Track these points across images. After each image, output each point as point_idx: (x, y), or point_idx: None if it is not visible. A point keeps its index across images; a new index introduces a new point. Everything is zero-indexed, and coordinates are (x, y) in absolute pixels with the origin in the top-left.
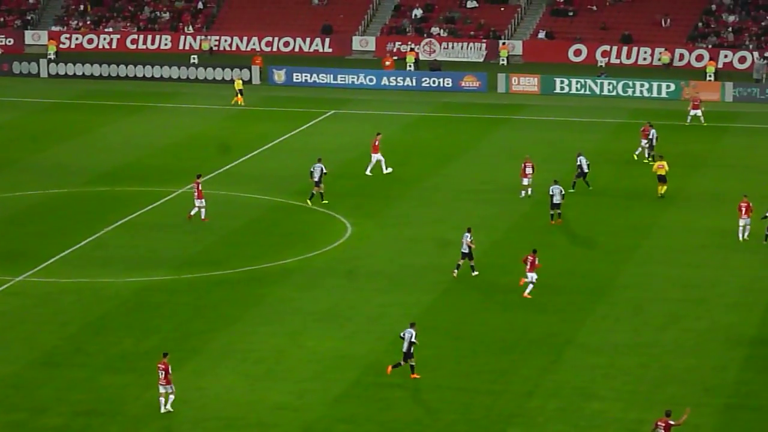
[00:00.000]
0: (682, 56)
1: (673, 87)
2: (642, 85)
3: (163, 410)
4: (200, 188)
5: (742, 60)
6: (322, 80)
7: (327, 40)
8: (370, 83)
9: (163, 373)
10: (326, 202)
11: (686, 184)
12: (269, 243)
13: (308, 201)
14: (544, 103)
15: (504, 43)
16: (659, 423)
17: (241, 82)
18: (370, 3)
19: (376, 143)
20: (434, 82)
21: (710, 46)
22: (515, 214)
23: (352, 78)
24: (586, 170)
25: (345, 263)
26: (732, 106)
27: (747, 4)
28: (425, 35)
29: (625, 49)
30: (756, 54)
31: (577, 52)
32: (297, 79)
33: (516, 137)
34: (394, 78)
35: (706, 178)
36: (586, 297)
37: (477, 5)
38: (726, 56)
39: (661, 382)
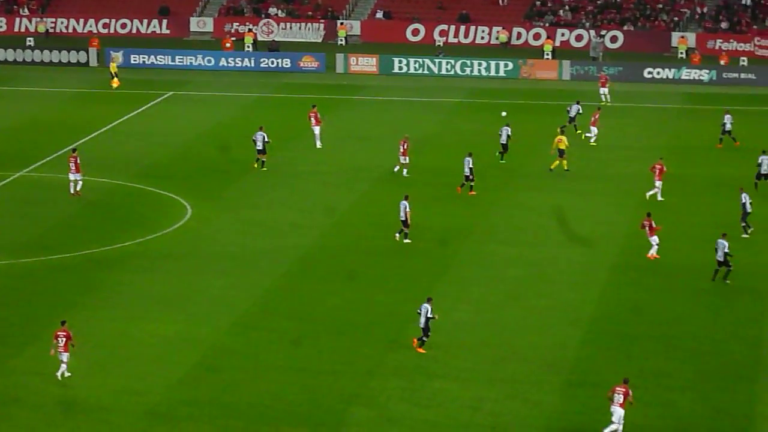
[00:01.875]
0: (519, 35)
1: (510, 66)
2: (480, 64)
3: (60, 378)
4: (78, 162)
5: (579, 38)
6: (160, 62)
7: (164, 21)
8: (209, 64)
9: (64, 340)
10: (265, 169)
11: (523, 164)
12: (108, 226)
13: (260, 167)
14: (383, 83)
15: (342, 23)
16: (618, 389)
17: (115, 65)
18: None
19: (312, 116)
20: (273, 62)
21: (547, 25)
22: (356, 194)
23: (191, 59)
24: (504, 141)
25: (185, 246)
26: (569, 84)
27: None
28: (263, 16)
29: (462, 28)
30: (593, 32)
31: (415, 32)
32: (135, 60)
33: (355, 117)
34: (232, 59)
35: (542, 158)
36: (427, 275)
37: None
38: (563, 35)
39: (502, 360)
